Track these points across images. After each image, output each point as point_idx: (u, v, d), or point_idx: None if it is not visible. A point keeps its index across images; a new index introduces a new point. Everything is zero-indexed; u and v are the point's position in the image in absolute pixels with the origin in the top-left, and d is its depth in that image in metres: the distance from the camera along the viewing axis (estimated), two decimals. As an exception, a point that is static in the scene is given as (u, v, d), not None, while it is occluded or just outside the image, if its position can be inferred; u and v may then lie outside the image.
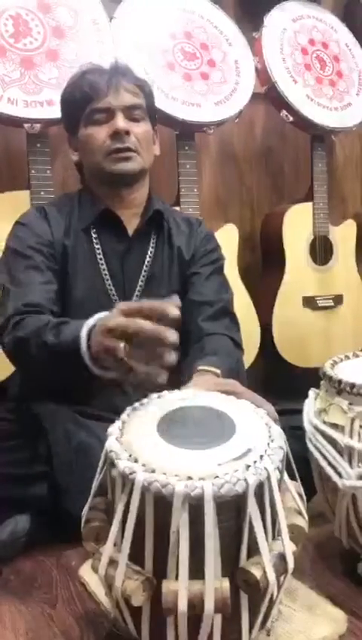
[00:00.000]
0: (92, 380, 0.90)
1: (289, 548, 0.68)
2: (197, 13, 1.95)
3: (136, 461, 0.67)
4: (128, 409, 0.79)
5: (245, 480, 0.64)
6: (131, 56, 1.72)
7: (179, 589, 0.64)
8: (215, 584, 0.64)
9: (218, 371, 1.07)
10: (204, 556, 0.63)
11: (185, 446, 0.69)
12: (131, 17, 1.81)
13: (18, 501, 1.08)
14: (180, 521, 0.64)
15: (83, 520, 0.75)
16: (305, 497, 0.77)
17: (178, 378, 1.32)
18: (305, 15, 2.16)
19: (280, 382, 2.00)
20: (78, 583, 0.96)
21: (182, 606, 0.64)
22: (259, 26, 2.04)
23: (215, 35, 1.96)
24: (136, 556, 0.68)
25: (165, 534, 0.65)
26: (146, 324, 0.75)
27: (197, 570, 0.64)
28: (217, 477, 0.64)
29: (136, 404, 0.80)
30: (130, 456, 0.68)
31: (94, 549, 0.72)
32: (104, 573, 0.69)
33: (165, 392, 0.83)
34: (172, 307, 0.77)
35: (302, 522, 0.73)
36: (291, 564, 0.67)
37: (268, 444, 0.69)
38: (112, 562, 0.68)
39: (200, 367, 1.07)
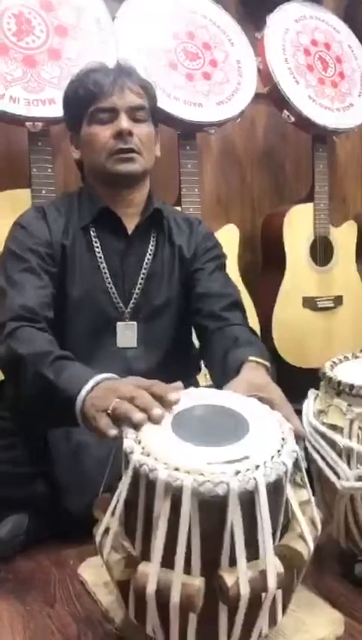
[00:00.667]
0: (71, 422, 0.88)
1: (273, 567, 0.66)
2: (199, 13, 1.95)
3: (139, 442, 0.71)
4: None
5: (227, 484, 0.64)
6: (133, 56, 1.72)
7: (149, 573, 0.65)
8: (185, 579, 0.65)
9: (268, 364, 1.05)
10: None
11: (188, 440, 0.71)
12: (134, 16, 1.81)
13: (17, 500, 1.08)
14: (161, 509, 0.65)
15: (101, 490, 0.78)
16: (319, 524, 0.75)
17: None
18: (308, 15, 2.16)
19: (280, 382, 2.00)
20: (77, 582, 0.96)
21: (150, 591, 0.65)
22: (262, 26, 2.03)
23: (217, 35, 1.96)
24: (130, 533, 0.72)
25: (152, 518, 0.67)
26: (143, 419, 0.75)
27: (173, 561, 0.65)
28: (202, 474, 0.65)
29: None
30: (136, 437, 0.72)
31: (100, 517, 0.75)
32: (99, 540, 0.73)
33: (201, 388, 0.85)
34: (174, 394, 0.77)
35: (302, 548, 0.71)
36: (271, 585, 0.65)
37: (272, 457, 0.68)
38: (107, 531, 0.72)
39: (251, 358, 1.04)
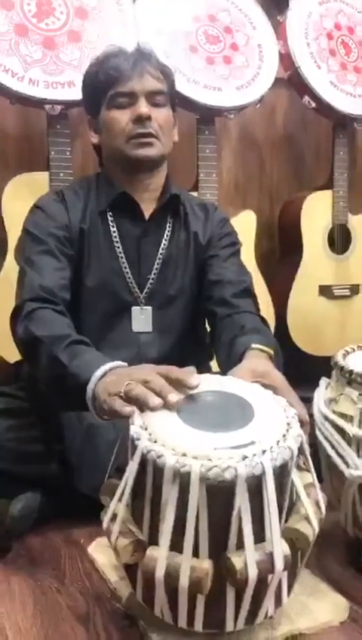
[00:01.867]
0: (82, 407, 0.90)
1: (279, 550, 0.68)
2: (221, -5, 1.92)
3: (146, 429, 0.71)
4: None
5: (235, 469, 0.65)
6: (153, 38, 1.71)
7: (158, 557, 0.67)
8: (194, 562, 0.66)
9: (271, 352, 1.05)
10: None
11: (194, 426, 0.72)
12: (155, -1, 1.80)
13: (30, 478, 1.10)
14: (169, 494, 0.66)
15: (107, 476, 0.79)
16: (324, 506, 0.76)
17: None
18: (332, -2, 2.12)
19: (293, 369, 2.00)
20: (87, 561, 0.98)
21: (158, 574, 0.67)
22: (285, 9, 2.00)
23: (239, 18, 1.94)
24: (138, 518, 0.73)
25: (160, 503, 0.68)
26: (159, 404, 0.75)
27: (182, 545, 0.66)
28: (209, 460, 0.66)
29: None
30: (143, 423, 0.73)
31: (107, 503, 0.76)
32: (106, 525, 0.74)
33: (206, 375, 0.85)
34: (194, 378, 0.78)
35: (308, 530, 0.72)
36: (279, 566, 0.67)
37: (278, 442, 0.69)
38: (114, 517, 0.73)
39: (254, 346, 1.04)
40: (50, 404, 1.08)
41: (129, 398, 0.78)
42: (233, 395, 0.79)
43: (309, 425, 0.83)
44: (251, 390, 0.81)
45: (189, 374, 0.79)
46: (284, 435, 0.71)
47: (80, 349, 0.97)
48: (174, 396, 0.75)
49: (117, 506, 0.73)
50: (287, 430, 0.72)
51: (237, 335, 1.10)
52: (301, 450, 0.74)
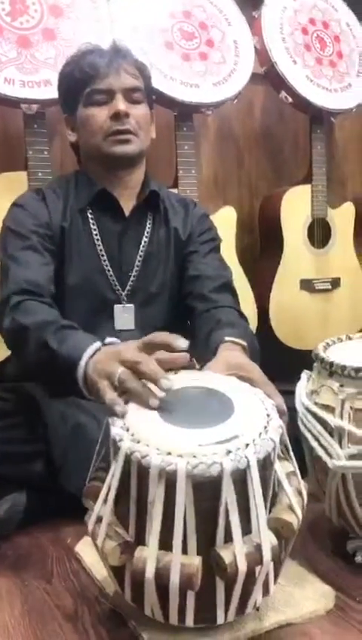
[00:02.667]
0: (75, 389, 0.90)
1: (267, 540, 0.68)
2: (196, -9, 1.93)
3: (127, 430, 0.71)
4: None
5: (221, 464, 0.65)
6: (129, 35, 1.71)
7: (148, 557, 0.67)
8: (184, 559, 0.66)
9: (244, 343, 1.06)
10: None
11: (176, 423, 0.71)
12: (129, -4, 1.79)
13: (15, 478, 1.10)
14: (156, 494, 0.66)
15: (87, 479, 0.78)
16: (305, 494, 0.77)
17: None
18: (306, -7, 2.13)
19: (277, 364, 2.01)
20: (74, 559, 0.98)
21: (149, 574, 0.66)
22: (259, 4, 2.01)
23: (214, 14, 1.94)
24: (123, 520, 0.72)
25: (145, 503, 0.68)
26: (154, 402, 0.75)
27: (170, 543, 0.66)
28: (194, 456, 0.66)
29: None
30: (124, 424, 0.72)
31: (90, 507, 0.75)
32: (91, 529, 0.73)
33: (181, 371, 0.84)
34: (181, 340, 0.79)
35: (292, 519, 0.72)
36: (267, 557, 0.68)
37: (260, 434, 0.70)
38: (99, 520, 0.72)
39: (227, 339, 1.05)
40: (39, 390, 1.08)
41: (123, 389, 0.78)
42: (211, 389, 0.79)
43: (288, 415, 0.84)
44: (228, 383, 0.82)
45: (175, 337, 0.79)
46: (265, 427, 0.71)
47: (69, 333, 0.98)
48: (166, 382, 0.75)
49: (101, 509, 0.73)
50: (268, 422, 0.73)
51: (213, 329, 1.11)
52: (281, 439, 0.74)
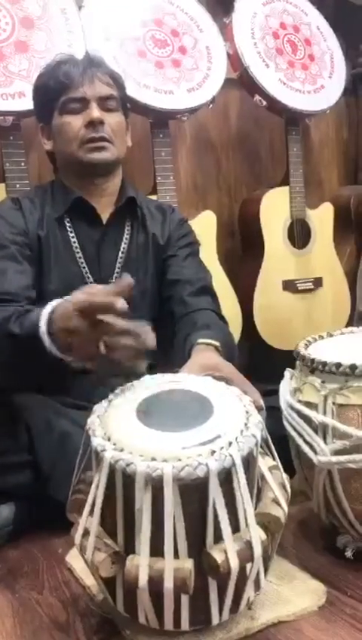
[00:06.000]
0: (60, 368, 0.89)
1: (257, 536, 0.69)
2: (167, -1, 1.94)
3: (109, 439, 0.70)
4: (118, 389, 0.82)
5: (206, 465, 0.65)
6: (102, 45, 1.72)
7: (140, 565, 0.66)
8: (176, 564, 0.66)
9: (217, 344, 1.06)
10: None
11: (157, 428, 0.71)
12: (100, 5, 1.80)
13: (3, 490, 1.09)
14: (143, 500, 0.66)
15: (70, 492, 0.78)
16: (288, 487, 0.78)
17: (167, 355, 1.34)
18: (275, -2, 2.16)
19: (264, 365, 2.02)
20: (65, 570, 0.97)
21: (142, 581, 0.66)
22: (230, 11, 2.03)
23: (185, 21, 1.95)
24: (111, 530, 0.72)
25: (133, 511, 0.67)
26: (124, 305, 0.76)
27: (161, 549, 0.66)
28: (179, 460, 0.66)
29: (128, 385, 0.82)
30: (104, 434, 0.72)
31: (76, 520, 0.75)
32: (79, 543, 0.73)
33: (158, 375, 0.85)
34: (119, 301, 0.78)
35: (279, 513, 0.73)
36: (258, 552, 0.68)
37: (241, 431, 0.71)
38: (86, 533, 0.72)
39: (201, 341, 1.06)
40: (17, 380, 1.09)
41: (82, 311, 0.78)
42: (188, 391, 0.80)
43: (273, 413, 0.85)
44: (204, 384, 0.82)
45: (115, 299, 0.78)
46: (246, 424, 0.72)
47: (27, 312, 0.98)
48: (122, 302, 0.76)
49: (87, 521, 0.72)
50: (247, 418, 0.73)
51: (190, 333, 1.12)
52: (261, 435, 0.75)
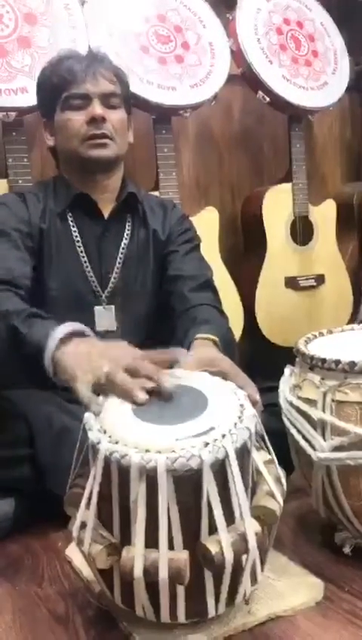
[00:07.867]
0: (43, 374, 0.90)
1: (251, 528, 0.69)
2: (170, -5, 1.94)
3: (104, 432, 0.71)
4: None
5: (199, 456, 0.66)
6: (105, 40, 1.71)
7: (135, 556, 0.67)
8: (171, 555, 0.67)
9: (216, 338, 1.07)
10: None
11: (152, 421, 0.72)
12: (104, 1, 1.79)
13: (3, 484, 1.10)
14: (138, 492, 0.67)
15: (68, 486, 0.79)
16: (284, 481, 0.78)
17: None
18: (279, -6, 2.15)
19: (265, 362, 2.02)
20: (65, 563, 0.98)
21: (137, 572, 0.67)
22: (233, 6, 2.02)
23: (189, 17, 1.95)
24: (107, 522, 0.72)
25: (128, 503, 0.68)
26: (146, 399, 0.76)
27: (156, 540, 0.67)
28: (173, 451, 0.66)
29: None
30: (100, 427, 0.72)
31: (73, 513, 0.76)
32: (76, 535, 0.73)
33: None
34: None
35: (274, 505, 0.74)
36: (252, 544, 0.69)
37: (235, 424, 0.71)
38: (83, 525, 0.72)
39: (199, 336, 1.07)
40: (23, 394, 1.09)
41: (112, 388, 0.78)
42: (183, 386, 0.80)
43: (261, 404, 0.85)
44: (200, 379, 0.83)
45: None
46: (240, 417, 0.73)
47: (36, 317, 0.98)
48: (168, 385, 0.76)
49: (84, 514, 0.73)
50: (241, 411, 0.74)
51: (189, 328, 1.12)
52: (257, 429, 0.76)
